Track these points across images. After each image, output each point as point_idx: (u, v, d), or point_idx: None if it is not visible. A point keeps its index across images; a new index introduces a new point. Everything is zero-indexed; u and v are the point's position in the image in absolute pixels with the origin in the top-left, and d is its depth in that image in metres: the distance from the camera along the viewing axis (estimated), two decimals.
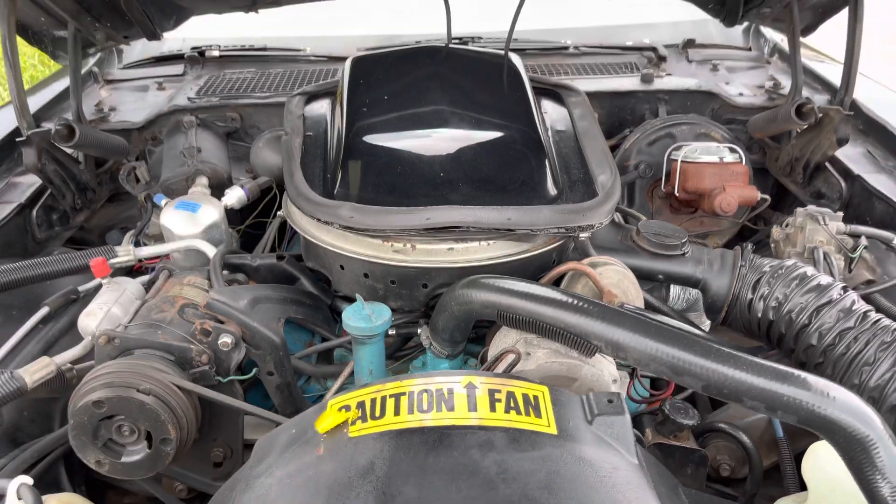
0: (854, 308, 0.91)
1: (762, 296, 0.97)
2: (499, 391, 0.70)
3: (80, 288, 1.10)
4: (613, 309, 0.83)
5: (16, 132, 1.41)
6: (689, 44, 1.71)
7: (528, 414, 0.68)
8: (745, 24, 1.82)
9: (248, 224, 1.35)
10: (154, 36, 1.43)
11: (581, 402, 0.72)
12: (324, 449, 0.67)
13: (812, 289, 0.94)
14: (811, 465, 0.89)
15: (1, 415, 0.95)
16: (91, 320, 0.95)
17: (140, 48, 1.81)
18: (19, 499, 0.75)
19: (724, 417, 1.06)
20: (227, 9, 1.42)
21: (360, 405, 0.70)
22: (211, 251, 1.09)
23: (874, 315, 0.91)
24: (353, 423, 0.68)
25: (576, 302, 0.82)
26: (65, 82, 1.63)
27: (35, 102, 1.48)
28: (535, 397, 0.71)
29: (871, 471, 0.67)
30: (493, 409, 0.68)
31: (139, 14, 1.33)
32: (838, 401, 0.70)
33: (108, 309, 0.96)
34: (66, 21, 1.30)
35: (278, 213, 1.20)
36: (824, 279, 0.95)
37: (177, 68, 1.69)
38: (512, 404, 0.69)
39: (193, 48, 1.73)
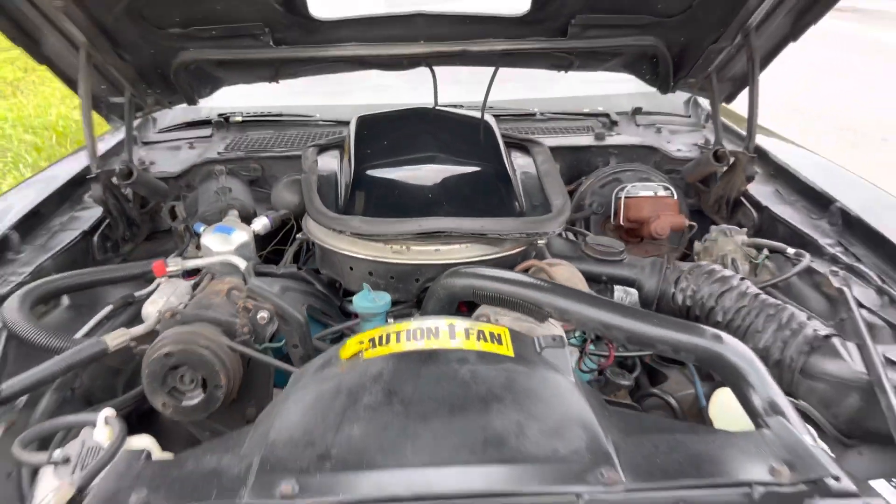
0: (748, 292, 1.18)
1: (682, 288, 1.24)
2: (471, 329, 0.96)
3: (136, 293, 1.36)
4: (559, 285, 1.09)
5: (77, 179, 1.69)
6: (637, 111, 2.05)
7: (492, 342, 0.94)
8: (688, 96, 2.17)
9: (269, 251, 1.62)
10: (192, 101, 1.74)
11: (533, 339, 0.98)
12: (345, 367, 0.92)
13: (717, 280, 1.21)
14: (714, 407, 1.14)
15: (82, 377, 1.19)
16: (153, 307, 1.20)
17: (171, 116, 2.12)
18: (106, 424, 0.98)
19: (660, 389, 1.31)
20: (253, 79, 1.73)
21: (371, 339, 0.95)
22: (243, 264, 1.35)
23: (763, 296, 1.18)
24: (366, 350, 0.93)
25: (530, 281, 1.09)
26: (110, 141, 1.93)
27: (103, 146, 1.78)
28: (499, 334, 0.96)
29: (747, 389, 0.93)
30: (467, 338, 0.94)
31: (184, 83, 1.63)
32: (723, 342, 0.97)
33: (166, 298, 1.21)
34: (123, 88, 1.60)
35: (297, 236, 1.47)
36: (726, 273, 1.22)
37: (205, 131, 2.00)
38: (481, 337, 0.95)
39: (220, 115, 2.04)
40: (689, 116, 2.10)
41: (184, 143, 1.94)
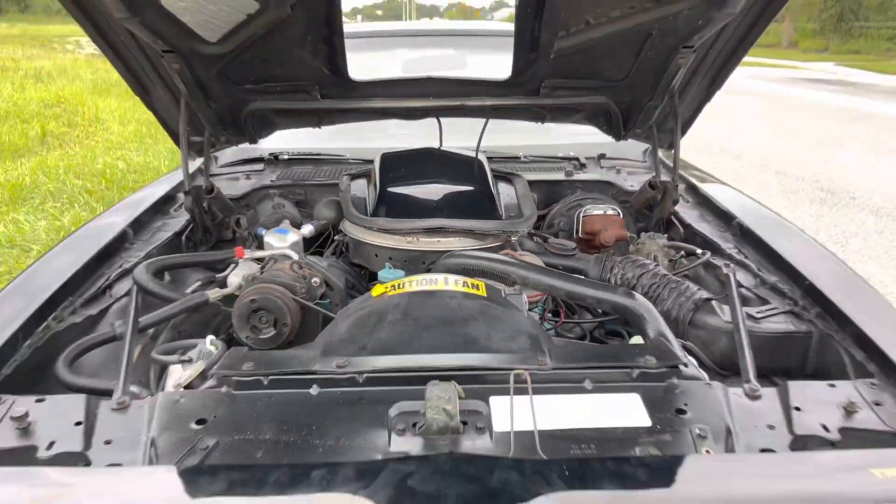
0: (658, 273, 1.66)
1: (615, 274, 1.72)
2: (458, 279, 1.44)
3: (216, 276, 1.84)
4: (522, 262, 1.58)
5: (164, 198, 2.20)
6: (602, 156, 2.56)
7: (473, 288, 1.42)
8: (647, 146, 2.68)
9: (311, 252, 2.11)
10: (254, 141, 2.25)
11: (500, 288, 1.45)
12: (375, 300, 1.40)
13: (638, 266, 1.69)
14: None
15: (187, 324, 1.66)
16: (235, 278, 1.68)
17: (230, 154, 2.64)
18: (211, 343, 1.45)
19: None
20: (302, 125, 2.25)
21: (393, 285, 1.43)
22: (295, 256, 1.84)
23: (669, 276, 1.65)
24: (390, 291, 1.41)
25: (501, 258, 1.57)
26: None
27: (176, 178, 2.29)
28: (477, 285, 1.44)
29: (646, 327, 1.40)
30: (456, 285, 1.42)
31: (250, 127, 2.15)
32: (632, 298, 1.44)
33: (245, 271, 1.69)
34: (204, 129, 2.12)
35: (335, 238, 1.97)
36: (645, 261, 1.70)
37: (258, 166, 2.51)
38: (465, 285, 1.42)
39: (270, 153, 2.56)
40: (645, 161, 2.60)
41: (241, 175, 2.46)
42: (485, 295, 1.40)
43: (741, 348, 1.33)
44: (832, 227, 5.03)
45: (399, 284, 1.43)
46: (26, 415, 1.13)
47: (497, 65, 2.07)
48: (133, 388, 1.27)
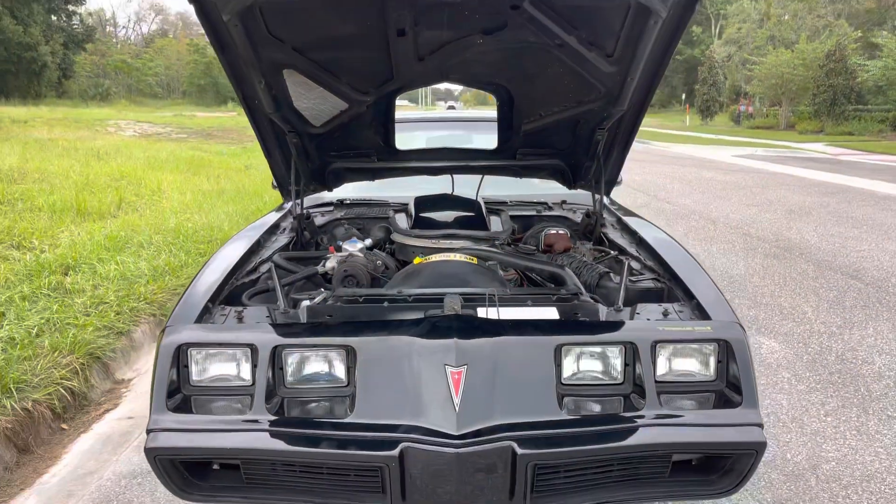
0: (582, 260, 2.78)
1: (560, 264, 2.84)
2: (461, 255, 2.57)
3: (317, 267, 2.97)
4: (497, 249, 2.72)
5: (273, 226, 3.35)
6: (563, 202, 3.71)
7: (469, 259, 2.55)
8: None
9: None
10: (330, 190, 3.42)
11: (483, 262, 2.59)
12: (416, 265, 2.53)
13: (572, 258, 2.82)
14: None
15: (302, 286, 2.79)
16: (331, 262, 2.81)
17: (308, 200, 3.81)
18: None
19: None
20: (363, 179, 3.42)
21: (426, 257, 2.57)
22: (360, 254, 2.98)
23: (589, 262, 2.77)
24: (424, 260, 2.55)
25: (487, 248, 2.72)
26: (282, 210, 3.61)
27: (271, 218, 3.46)
28: (472, 259, 2.57)
29: (566, 281, 2.53)
30: (460, 257, 2.55)
31: (330, 180, 3.33)
32: (562, 269, 2.58)
33: (335, 260, 2.83)
34: (300, 180, 3.29)
35: (387, 246, 3.11)
36: (578, 255, 2.83)
37: (328, 208, 3.69)
38: (465, 256, 2.56)
39: (338, 200, 3.74)
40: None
41: (318, 213, 3.62)
42: (475, 263, 2.53)
43: (621, 294, 2.43)
44: (776, 275, 6.11)
45: (429, 257, 2.56)
46: (240, 312, 2.25)
47: (488, 140, 3.27)
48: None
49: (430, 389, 1.90)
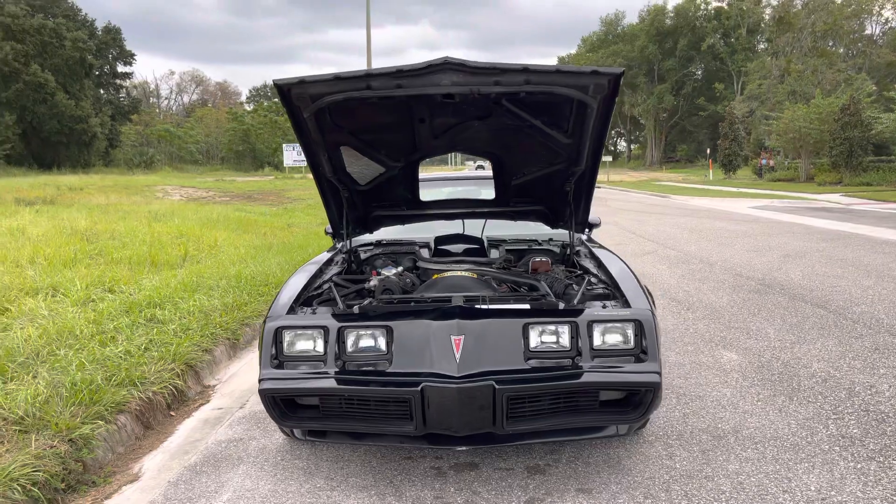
0: (557, 277, 3.84)
1: (538, 279, 3.90)
2: (465, 272, 3.65)
3: (364, 285, 4.06)
4: (491, 269, 3.80)
5: (329, 260, 4.46)
6: (550, 239, 4.78)
7: (472, 274, 3.63)
8: (578, 234, 4.91)
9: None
10: (371, 232, 4.55)
11: (479, 277, 3.67)
12: (433, 279, 3.62)
13: (549, 276, 3.88)
14: None
15: (355, 298, 3.88)
16: (374, 281, 3.90)
17: (354, 242, 4.93)
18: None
19: None
20: (395, 224, 4.54)
21: (440, 274, 3.65)
22: (394, 277, 4.06)
23: (562, 278, 3.82)
24: (438, 276, 3.63)
25: (486, 269, 3.80)
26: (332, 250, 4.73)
27: (323, 257, 4.58)
28: (472, 275, 3.65)
29: (539, 289, 3.60)
30: (464, 273, 3.63)
31: (371, 224, 4.46)
32: (537, 280, 3.66)
33: (376, 280, 3.92)
34: (349, 224, 4.42)
35: (415, 270, 4.20)
36: (555, 275, 3.89)
37: (370, 247, 4.80)
38: (468, 273, 3.64)
39: (376, 241, 4.85)
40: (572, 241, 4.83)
41: (361, 251, 4.74)
42: (475, 277, 3.61)
43: (577, 296, 3.48)
44: (752, 306, 7.05)
45: (442, 274, 3.65)
46: (314, 310, 3.35)
47: (490, 193, 4.38)
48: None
49: (441, 350, 2.96)
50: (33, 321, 5.65)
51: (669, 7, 68.18)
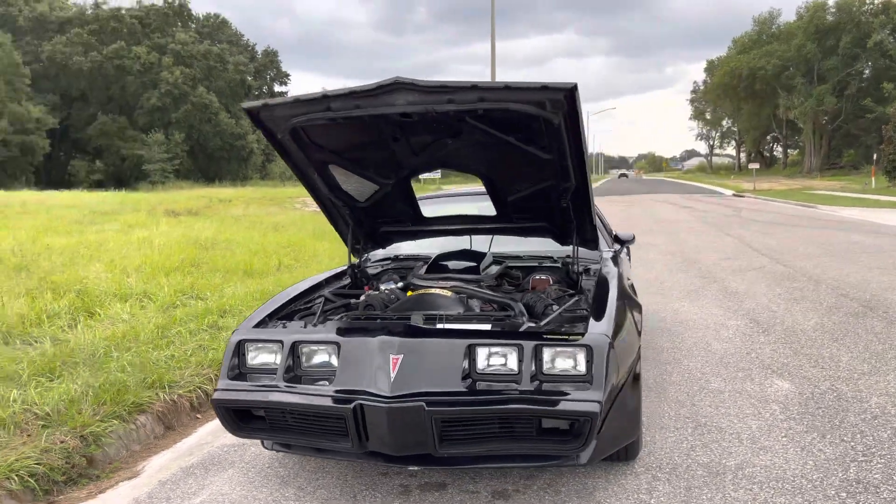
0: (540, 296, 3.72)
1: (525, 297, 3.80)
2: (440, 288, 3.64)
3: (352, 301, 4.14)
4: (468, 286, 3.75)
5: (340, 274, 4.59)
6: (568, 256, 4.63)
7: (444, 292, 3.61)
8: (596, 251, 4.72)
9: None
10: (383, 248, 4.63)
11: (454, 294, 3.64)
12: (408, 296, 3.64)
13: (535, 295, 3.77)
14: None
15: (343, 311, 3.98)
16: (363, 297, 3.98)
17: (378, 255, 5.03)
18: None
19: None
20: (404, 240, 4.59)
21: (414, 292, 3.66)
22: (385, 290, 4.11)
23: (541, 297, 3.70)
24: (412, 293, 3.65)
25: (462, 285, 3.76)
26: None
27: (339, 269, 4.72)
28: (447, 292, 3.63)
29: (514, 309, 3.52)
30: (437, 290, 3.62)
31: (381, 240, 4.54)
32: (513, 300, 3.58)
33: (365, 295, 3.99)
34: (360, 240, 4.52)
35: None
36: (541, 294, 3.78)
37: (388, 262, 4.88)
38: (441, 290, 3.62)
39: (394, 255, 4.92)
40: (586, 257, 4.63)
41: (377, 265, 4.82)
42: (448, 296, 3.58)
43: (551, 316, 3.37)
44: (840, 330, 6.43)
45: (416, 291, 3.66)
46: (285, 324, 3.47)
47: (492, 209, 4.32)
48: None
49: (379, 369, 2.97)
50: (114, 324, 6.23)
51: (830, 2, 63.06)
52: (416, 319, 3.29)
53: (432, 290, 3.69)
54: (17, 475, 3.42)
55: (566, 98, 3.02)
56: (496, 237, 4.72)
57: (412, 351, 3.00)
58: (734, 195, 37.89)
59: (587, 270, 4.26)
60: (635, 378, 3.38)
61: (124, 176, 55.67)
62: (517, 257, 4.66)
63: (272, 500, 3.43)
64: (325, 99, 3.22)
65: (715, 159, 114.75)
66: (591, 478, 3.52)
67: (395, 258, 4.92)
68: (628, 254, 6.46)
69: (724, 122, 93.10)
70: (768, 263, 11.00)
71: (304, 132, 3.55)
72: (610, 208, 27.82)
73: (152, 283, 8.01)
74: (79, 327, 6.06)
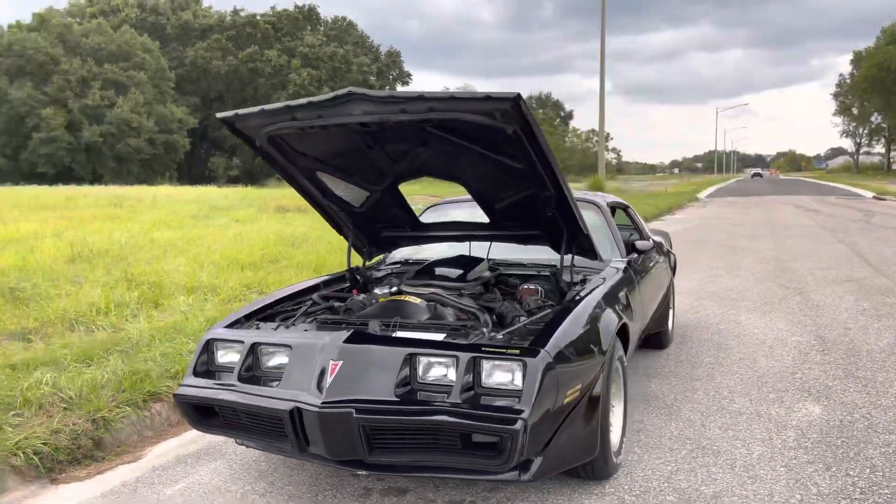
0: (514, 306, 3.66)
1: (504, 306, 3.74)
2: (409, 295, 3.65)
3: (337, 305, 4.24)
4: (439, 293, 3.74)
5: (337, 277, 4.70)
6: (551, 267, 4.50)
7: (411, 299, 3.63)
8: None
9: None
10: (388, 252, 4.69)
11: (422, 302, 3.64)
12: (380, 302, 3.68)
13: (505, 304, 3.71)
14: None
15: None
16: (349, 301, 4.06)
17: (392, 257, 5.10)
18: None
19: None
20: (405, 245, 4.64)
21: (385, 298, 3.70)
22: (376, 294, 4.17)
23: (516, 308, 3.63)
24: (384, 300, 3.69)
25: (435, 291, 3.76)
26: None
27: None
28: (415, 299, 3.64)
29: (480, 318, 3.49)
30: (404, 297, 3.64)
31: (385, 245, 4.60)
32: (482, 312, 3.55)
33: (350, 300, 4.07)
34: (364, 245, 4.60)
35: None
36: (515, 303, 3.71)
37: (397, 265, 4.93)
38: (411, 299, 3.63)
39: (405, 259, 4.97)
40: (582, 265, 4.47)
41: (387, 269, 4.89)
42: (418, 302, 3.59)
43: (513, 327, 3.31)
44: (872, 305, 5.85)
45: (388, 297, 3.69)
46: (258, 325, 3.61)
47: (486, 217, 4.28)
48: None
49: (319, 373, 3.04)
50: (172, 315, 6.68)
51: None
52: (373, 326, 3.33)
53: (403, 298, 3.71)
54: (23, 452, 3.77)
55: (513, 108, 2.96)
56: (507, 244, 4.65)
57: (351, 357, 3.04)
58: (874, 198, 34.97)
59: (584, 281, 4.13)
60: (592, 398, 3.25)
61: (256, 172, 59.00)
62: (520, 265, 4.58)
63: (242, 492, 3.58)
64: (288, 109, 3.33)
65: (862, 158, 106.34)
66: (554, 495, 3.43)
67: (406, 262, 4.97)
68: (668, 260, 6.16)
69: (872, 118, 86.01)
70: (870, 275, 10.13)
71: (284, 140, 3.67)
72: (725, 211, 26.52)
73: (223, 278, 8.48)
74: (141, 317, 6.53)
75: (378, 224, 4.46)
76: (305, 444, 3.05)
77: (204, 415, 3.40)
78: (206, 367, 3.48)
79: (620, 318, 3.78)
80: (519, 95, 2.91)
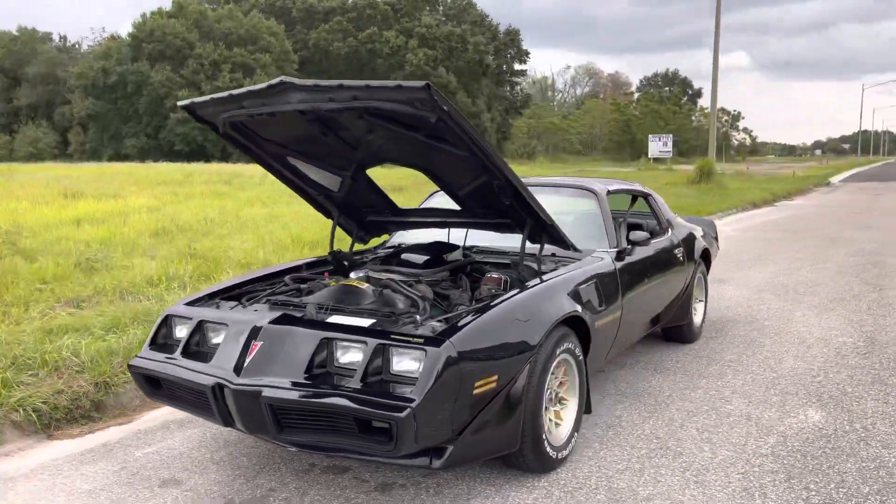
0: (461, 295, 3.64)
1: (421, 295, 3.73)
2: (359, 280, 3.72)
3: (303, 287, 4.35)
4: (384, 278, 3.77)
5: (320, 261, 4.82)
6: (554, 254, 4.38)
7: (358, 284, 3.68)
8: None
9: None
10: (377, 236, 4.76)
11: (368, 287, 3.69)
12: (333, 286, 3.78)
13: (457, 294, 3.70)
14: None
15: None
16: (316, 280, 4.18)
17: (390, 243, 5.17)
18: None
19: None
20: (389, 230, 4.69)
21: (336, 281, 3.78)
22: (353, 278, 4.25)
23: (463, 296, 3.61)
24: (334, 283, 3.77)
25: (386, 275, 3.80)
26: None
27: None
28: (361, 284, 3.70)
29: (420, 306, 3.51)
30: (353, 282, 3.71)
31: (372, 230, 4.68)
32: (418, 298, 3.56)
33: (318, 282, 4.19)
34: (353, 229, 4.70)
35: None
36: (463, 291, 3.69)
37: (389, 249, 4.99)
38: (357, 283, 3.70)
39: (399, 244, 5.02)
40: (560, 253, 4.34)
41: (383, 251, 4.97)
42: (364, 286, 3.65)
43: (448, 315, 3.32)
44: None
45: (338, 281, 3.77)
46: (217, 303, 3.80)
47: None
48: None
49: (242, 352, 3.18)
50: None
51: None
52: (310, 310, 3.42)
53: (352, 283, 3.77)
54: (23, 409, 4.17)
55: (425, 96, 2.94)
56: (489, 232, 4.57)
57: (272, 338, 3.16)
58: None
59: (554, 270, 4.04)
60: (514, 391, 3.20)
61: None
62: (501, 253, 4.52)
63: (201, 460, 3.80)
64: (233, 98, 3.45)
65: None
66: (482, 484, 3.42)
67: (398, 246, 5.03)
68: (686, 251, 5.82)
69: None
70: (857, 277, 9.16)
71: (247, 127, 3.81)
72: (853, 197, 24.67)
73: (280, 255, 8.86)
74: (188, 289, 6.98)
75: (362, 209, 4.54)
76: (230, 419, 3.20)
77: (154, 386, 3.63)
78: (165, 341, 3.70)
79: (572, 310, 3.66)
80: (428, 85, 2.88)
